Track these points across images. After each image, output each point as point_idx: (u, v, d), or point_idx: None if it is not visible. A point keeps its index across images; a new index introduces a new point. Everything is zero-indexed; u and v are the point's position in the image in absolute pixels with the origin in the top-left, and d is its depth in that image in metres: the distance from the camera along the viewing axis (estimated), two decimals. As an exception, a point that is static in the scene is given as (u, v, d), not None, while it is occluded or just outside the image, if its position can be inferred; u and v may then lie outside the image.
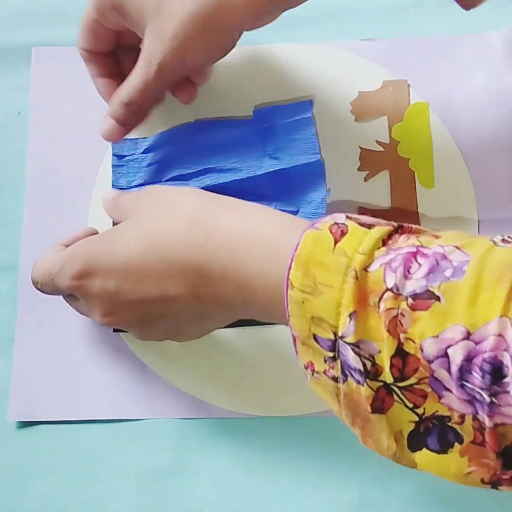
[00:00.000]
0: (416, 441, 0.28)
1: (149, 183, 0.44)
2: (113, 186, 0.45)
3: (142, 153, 0.45)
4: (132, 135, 0.43)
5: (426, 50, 0.46)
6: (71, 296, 0.39)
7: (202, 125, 0.45)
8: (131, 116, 0.41)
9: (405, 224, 0.30)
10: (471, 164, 0.44)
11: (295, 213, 0.43)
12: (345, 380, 0.28)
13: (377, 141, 0.45)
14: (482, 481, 0.27)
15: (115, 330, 0.43)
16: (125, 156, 0.45)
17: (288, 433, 0.41)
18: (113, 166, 0.45)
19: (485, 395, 0.25)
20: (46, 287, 0.39)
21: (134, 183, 0.45)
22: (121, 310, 0.36)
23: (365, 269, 0.28)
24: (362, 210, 0.44)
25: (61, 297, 0.43)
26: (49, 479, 0.41)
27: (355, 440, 0.41)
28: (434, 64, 0.46)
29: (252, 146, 0.44)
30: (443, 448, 0.27)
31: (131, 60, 0.41)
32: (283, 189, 0.43)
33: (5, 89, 0.48)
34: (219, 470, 0.41)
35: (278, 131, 0.44)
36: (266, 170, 0.43)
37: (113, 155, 0.45)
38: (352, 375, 0.28)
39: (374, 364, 0.27)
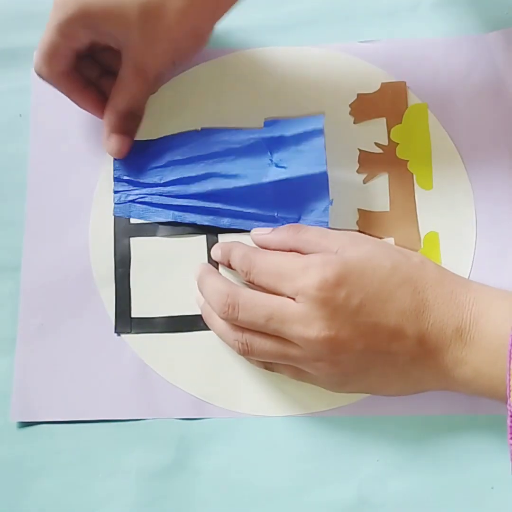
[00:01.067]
0: None
1: (150, 184, 0.44)
2: (115, 187, 0.45)
3: (144, 154, 0.45)
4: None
5: (424, 51, 0.46)
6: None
7: (208, 133, 0.45)
8: (133, 122, 0.43)
9: None
10: (470, 165, 0.44)
11: (296, 221, 0.43)
12: None
13: (375, 143, 0.45)
14: None
15: (116, 331, 0.43)
16: None
17: (288, 433, 0.42)
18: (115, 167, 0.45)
19: None
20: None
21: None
22: (347, 326, 0.36)
23: None
24: (361, 212, 0.44)
25: (61, 297, 0.44)
26: (50, 479, 0.42)
27: (354, 440, 0.41)
28: (433, 65, 0.46)
29: (258, 155, 0.44)
30: None
31: (91, 65, 0.43)
32: (285, 197, 0.43)
33: (6, 91, 0.48)
34: (219, 470, 0.41)
35: (287, 142, 0.44)
36: (271, 178, 0.43)
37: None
38: None
39: None
